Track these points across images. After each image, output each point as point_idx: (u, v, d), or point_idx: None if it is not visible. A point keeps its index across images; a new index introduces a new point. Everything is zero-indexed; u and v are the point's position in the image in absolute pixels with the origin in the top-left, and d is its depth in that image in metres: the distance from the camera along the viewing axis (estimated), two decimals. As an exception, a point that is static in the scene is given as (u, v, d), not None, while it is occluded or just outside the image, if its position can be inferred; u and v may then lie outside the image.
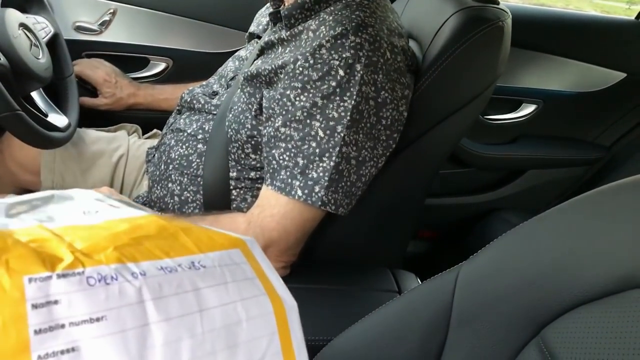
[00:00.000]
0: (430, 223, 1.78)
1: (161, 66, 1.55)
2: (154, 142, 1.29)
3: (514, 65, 1.63)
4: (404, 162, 0.98)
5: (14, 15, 1.06)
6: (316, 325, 0.85)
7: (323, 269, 1.00)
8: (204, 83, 1.21)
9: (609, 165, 1.80)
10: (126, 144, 1.28)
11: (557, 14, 1.77)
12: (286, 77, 0.89)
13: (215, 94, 1.14)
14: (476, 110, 1.02)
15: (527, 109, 1.71)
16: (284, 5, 0.98)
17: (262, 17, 1.20)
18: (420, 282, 0.97)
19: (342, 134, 0.85)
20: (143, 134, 1.39)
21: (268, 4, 1.12)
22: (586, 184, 1.81)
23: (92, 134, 1.29)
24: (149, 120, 1.42)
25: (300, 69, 0.87)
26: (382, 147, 0.91)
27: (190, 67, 1.54)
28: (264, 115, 0.93)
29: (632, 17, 1.73)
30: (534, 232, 0.62)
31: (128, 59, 1.53)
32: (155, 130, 1.39)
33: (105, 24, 1.50)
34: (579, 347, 0.50)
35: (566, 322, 0.53)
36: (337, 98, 0.85)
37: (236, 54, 1.21)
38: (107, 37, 1.51)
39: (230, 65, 1.18)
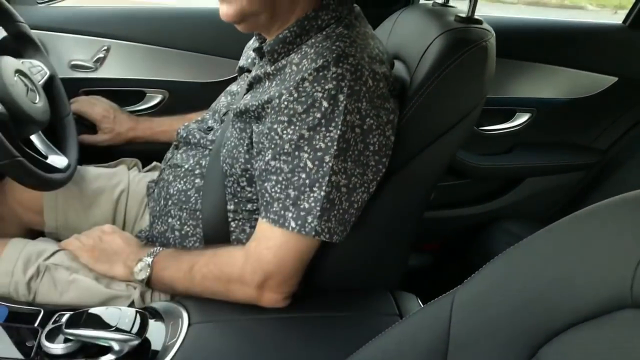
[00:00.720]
0: (432, 235, 1.79)
1: (157, 98, 1.58)
2: (154, 174, 1.31)
3: (505, 75, 1.65)
4: (397, 185, 0.99)
5: (9, 63, 1.08)
6: (318, 355, 0.87)
7: (324, 296, 1.01)
8: (199, 119, 1.23)
9: (606, 168, 1.80)
10: (126, 179, 1.30)
11: (544, 23, 1.78)
12: (272, 111, 0.90)
13: (210, 129, 1.16)
14: (465, 129, 1.03)
15: (521, 118, 1.72)
16: (265, 42, 0.99)
17: (250, 49, 1.22)
18: (420, 303, 0.98)
19: (330, 164, 0.86)
20: (143, 167, 1.41)
21: (254, 38, 1.15)
22: (585, 188, 1.82)
23: (93, 171, 1.31)
24: (148, 153, 1.43)
25: (286, 102, 0.88)
26: (372, 173, 0.93)
27: (186, 97, 1.56)
28: (255, 150, 0.94)
29: (620, 21, 1.74)
30: (525, 255, 0.62)
31: (124, 93, 1.55)
32: (154, 163, 1.40)
33: (100, 61, 1.52)
34: (574, 367, 0.51)
35: (561, 343, 0.53)
36: (323, 129, 0.86)
37: (228, 88, 1.23)
38: (102, 73, 1.53)
39: (222, 100, 1.20)
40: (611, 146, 1.80)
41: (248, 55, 1.21)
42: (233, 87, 1.20)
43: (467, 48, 0.97)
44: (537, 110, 1.71)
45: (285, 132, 0.88)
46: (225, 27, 1.55)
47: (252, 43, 1.23)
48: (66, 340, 0.83)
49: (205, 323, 0.90)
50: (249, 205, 1.01)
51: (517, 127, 1.72)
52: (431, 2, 1.26)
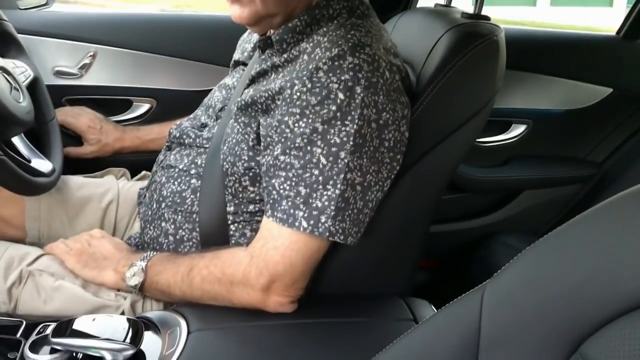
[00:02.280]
0: (429, 252, 1.74)
1: (145, 107, 1.52)
2: (145, 183, 1.25)
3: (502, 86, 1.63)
4: (408, 185, 0.94)
5: (-8, 59, 1.02)
6: (333, 361, 0.81)
7: (332, 301, 0.95)
8: (191, 116, 1.17)
9: (603, 181, 1.79)
10: (115, 188, 1.23)
11: (542, 33, 1.79)
12: (283, 103, 0.85)
13: (204, 126, 1.10)
14: (476, 127, 1.00)
15: (518, 130, 1.70)
16: (272, 31, 0.95)
17: (245, 43, 1.18)
18: (434, 309, 0.93)
19: (345, 160, 0.82)
20: (132, 177, 1.34)
21: (249, 30, 1.10)
22: (581, 201, 1.80)
23: (78, 180, 1.23)
24: (137, 162, 1.37)
25: (298, 93, 0.83)
26: (386, 170, 0.88)
27: (175, 106, 1.50)
28: (262, 144, 0.89)
29: (614, 32, 1.75)
30: (564, 243, 0.58)
31: (110, 101, 1.50)
32: (144, 172, 1.34)
33: (85, 67, 1.46)
34: (626, 358, 0.46)
35: (608, 333, 0.49)
36: (339, 122, 0.82)
37: (221, 82, 1.17)
38: (87, 80, 1.47)
39: (217, 95, 1.14)
40: (607, 158, 1.78)
41: (244, 48, 1.16)
42: (227, 81, 1.15)
43: (478, 42, 0.94)
44: (533, 122, 1.69)
45: (297, 125, 0.83)
46: (217, 34, 1.54)
47: (248, 36, 1.18)
48: (52, 351, 0.75)
49: (206, 331, 0.83)
50: (251, 207, 0.95)
51: (514, 139, 1.70)
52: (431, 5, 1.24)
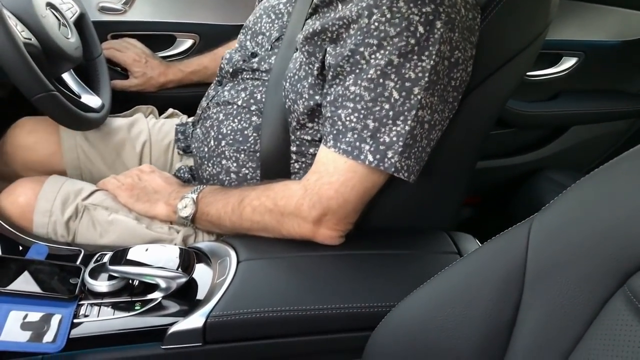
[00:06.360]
0: (473, 188, 1.73)
1: (188, 43, 1.52)
2: (173, 121, 1.26)
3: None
4: (457, 121, 0.93)
5: (40, -5, 1.03)
6: (377, 292, 0.82)
7: (378, 234, 0.96)
8: (236, 46, 1.13)
9: (656, 116, 1.72)
10: (146, 129, 1.24)
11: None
12: (359, 32, 0.82)
13: (254, 55, 1.07)
14: (528, 60, 0.97)
15: (568, 63, 1.64)
16: None
17: None
18: (478, 243, 0.93)
19: (419, 97, 0.80)
20: (159, 115, 1.35)
21: None
22: (632, 137, 1.74)
23: (111, 124, 1.23)
24: (163, 100, 1.40)
25: (376, 24, 0.80)
26: (448, 110, 0.87)
27: (219, 42, 1.49)
28: (330, 74, 0.86)
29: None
30: (612, 178, 0.57)
31: (154, 37, 1.50)
32: (171, 110, 1.35)
33: (129, 3, 1.46)
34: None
35: None
36: (415, 57, 0.79)
37: (266, 5, 1.12)
38: (131, 16, 1.47)
39: (265, 20, 1.09)
40: (662, 92, 1.71)
41: None
42: (274, 2, 1.10)
43: None
44: (585, 54, 1.62)
45: (373, 56, 0.80)
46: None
47: None
48: (110, 278, 0.79)
49: (255, 260, 0.86)
50: (312, 149, 0.95)
51: (564, 73, 1.64)
52: None
